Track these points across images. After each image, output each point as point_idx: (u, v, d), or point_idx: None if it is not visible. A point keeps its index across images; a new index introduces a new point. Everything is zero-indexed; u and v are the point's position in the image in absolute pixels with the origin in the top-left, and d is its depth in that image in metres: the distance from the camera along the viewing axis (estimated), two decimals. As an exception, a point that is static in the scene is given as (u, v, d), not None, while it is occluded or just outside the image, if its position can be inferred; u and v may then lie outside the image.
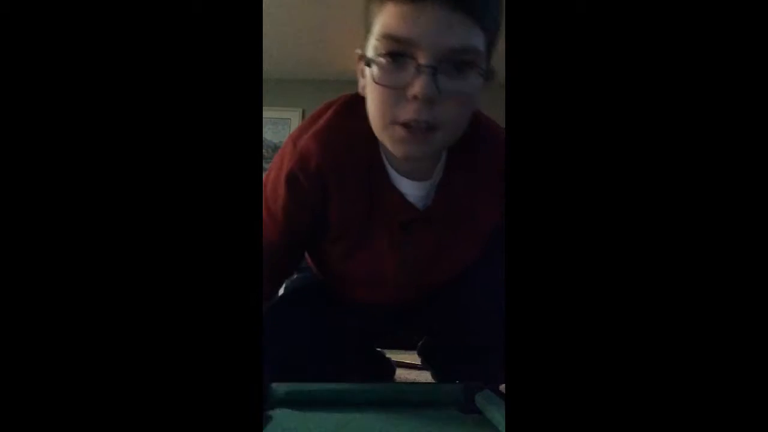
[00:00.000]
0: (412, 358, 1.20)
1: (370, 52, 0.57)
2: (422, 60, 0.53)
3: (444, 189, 0.70)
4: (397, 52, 0.55)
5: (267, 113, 3.95)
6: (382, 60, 0.55)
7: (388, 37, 0.54)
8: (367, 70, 0.59)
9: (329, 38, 3.58)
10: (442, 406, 0.64)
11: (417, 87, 0.54)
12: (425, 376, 1.15)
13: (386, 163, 0.69)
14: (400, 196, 0.69)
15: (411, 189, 0.69)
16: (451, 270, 0.78)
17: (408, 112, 0.56)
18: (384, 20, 0.55)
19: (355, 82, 0.67)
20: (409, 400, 0.66)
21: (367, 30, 0.59)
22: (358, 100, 0.66)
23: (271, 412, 0.60)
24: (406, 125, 0.57)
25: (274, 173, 0.72)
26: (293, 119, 4.05)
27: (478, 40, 0.56)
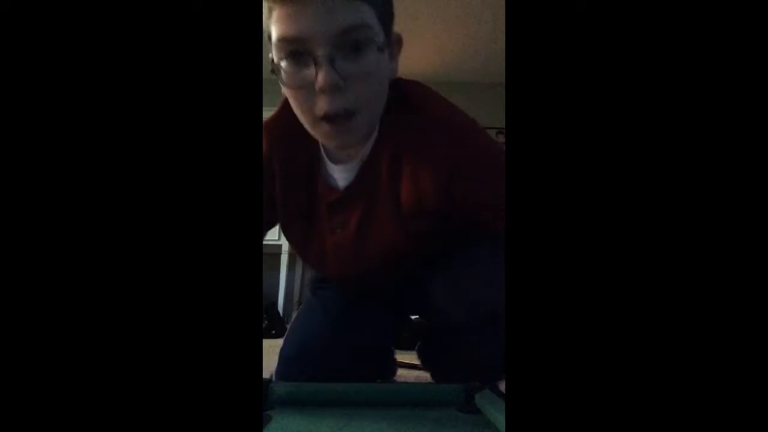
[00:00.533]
0: (412, 358, 1.20)
1: (274, 59, 0.58)
2: (318, 52, 0.54)
3: (365, 168, 0.70)
4: (295, 52, 0.56)
5: (267, 113, 3.95)
6: (284, 63, 0.57)
7: (282, 40, 0.56)
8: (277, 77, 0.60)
9: (329, 38, 3.57)
10: (442, 406, 0.64)
11: (321, 80, 0.55)
12: (425, 376, 1.16)
13: (322, 152, 0.71)
14: (327, 179, 0.71)
15: (339, 172, 0.71)
16: (380, 250, 0.76)
17: (322, 106, 0.58)
18: (276, 25, 0.56)
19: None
20: (409, 400, 0.66)
21: (269, 38, 0.59)
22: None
23: (271, 412, 0.60)
24: (326, 119, 0.58)
25: None
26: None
27: (366, 16, 0.55)
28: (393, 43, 0.62)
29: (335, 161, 0.71)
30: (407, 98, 0.68)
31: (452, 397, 0.65)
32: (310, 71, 0.56)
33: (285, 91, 0.63)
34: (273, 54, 0.59)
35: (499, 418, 0.53)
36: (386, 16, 0.60)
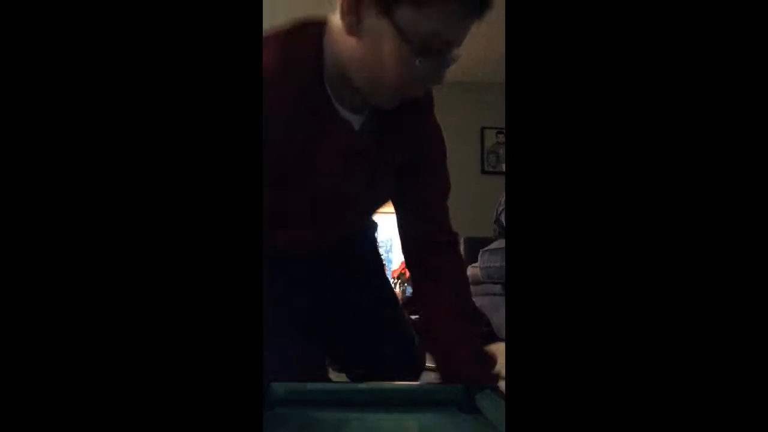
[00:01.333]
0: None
1: (423, 32, 0.60)
2: (453, 56, 0.61)
3: (374, 119, 0.75)
4: (437, 50, 0.61)
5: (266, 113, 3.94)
6: (431, 55, 0.60)
7: (437, 37, 0.60)
8: (384, 29, 0.60)
9: (329, 38, 3.57)
10: (442, 406, 0.64)
11: (438, 77, 0.63)
12: (425, 376, 1.15)
13: (333, 100, 0.71)
14: (348, 123, 0.72)
15: (353, 118, 0.73)
16: (368, 208, 0.85)
17: (416, 90, 0.65)
18: (430, 17, 0.59)
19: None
20: (409, 400, 0.66)
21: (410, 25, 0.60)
22: (305, 29, 0.70)
23: (271, 412, 0.60)
24: (414, 92, 0.65)
25: None
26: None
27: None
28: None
29: (347, 108, 0.72)
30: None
31: (452, 397, 0.65)
32: (442, 66, 0.62)
33: (402, 60, 0.62)
34: (406, 26, 0.60)
35: (499, 418, 0.53)
36: None
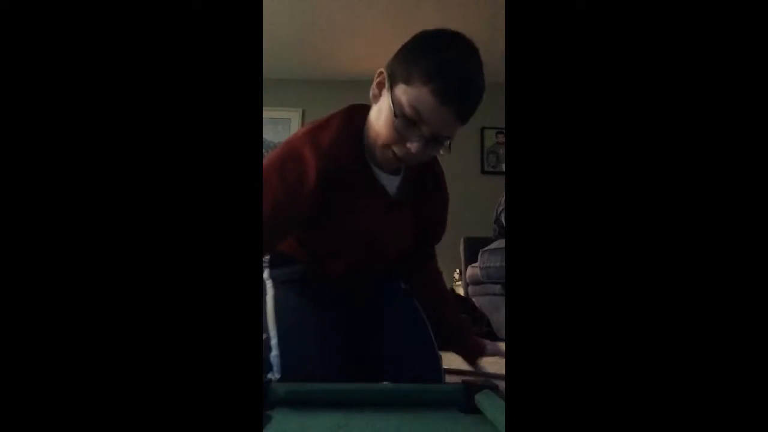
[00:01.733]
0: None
1: (398, 102, 0.83)
2: (425, 132, 0.82)
3: (403, 181, 1.01)
4: (413, 120, 0.82)
5: (267, 113, 3.95)
6: (404, 119, 0.82)
7: (414, 109, 0.81)
8: (386, 98, 0.85)
9: (329, 38, 3.58)
10: (442, 406, 0.64)
11: (414, 147, 0.84)
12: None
13: (374, 168, 0.96)
14: (379, 185, 0.98)
15: (388, 181, 0.98)
16: (404, 245, 1.08)
17: (400, 151, 0.86)
18: (419, 98, 0.80)
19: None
20: (409, 400, 0.66)
21: (403, 75, 0.82)
22: (358, 112, 0.94)
23: (271, 412, 0.60)
24: (397, 158, 0.88)
25: (297, 164, 0.88)
26: (293, 119, 4.05)
27: (456, 130, 0.85)
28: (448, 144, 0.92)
29: (386, 171, 0.97)
30: None
31: (452, 397, 0.65)
32: (413, 134, 0.83)
33: (384, 114, 0.86)
34: (402, 98, 0.82)
35: (499, 418, 0.53)
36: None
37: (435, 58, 0.80)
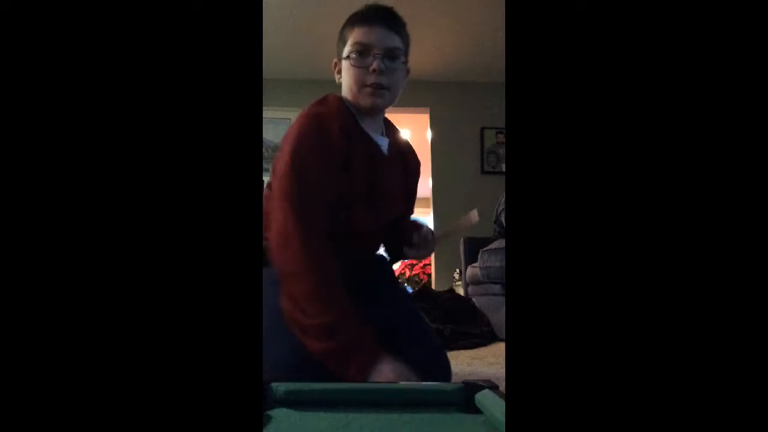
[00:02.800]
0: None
1: (345, 53, 1.08)
2: (375, 51, 1.05)
3: (392, 144, 1.19)
4: (362, 51, 1.06)
5: (267, 113, 3.95)
6: (355, 55, 1.06)
7: (357, 43, 1.06)
8: (344, 63, 1.10)
9: (329, 38, 3.58)
10: (442, 406, 0.64)
11: (375, 64, 1.05)
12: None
13: (367, 129, 1.13)
14: (376, 145, 1.13)
15: (380, 141, 1.15)
16: (401, 204, 1.23)
17: (371, 78, 1.06)
18: (353, 36, 1.07)
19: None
20: (409, 400, 0.66)
21: (341, 43, 1.10)
22: (332, 96, 1.12)
23: (271, 412, 0.60)
24: (372, 86, 1.07)
25: (303, 146, 1.03)
26: (293, 119, 4.05)
27: (400, 44, 1.09)
28: (407, 67, 1.14)
29: (376, 133, 1.14)
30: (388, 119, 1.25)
31: (452, 397, 0.65)
32: (368, 61, 1.05)
33: (345, 71, 1.09)
34: (345, 50, 1.08)
35: (499, 418, 0.53)
36: (407, 50, 1.12)
37: (353, 14, 1.09)
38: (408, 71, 1.15)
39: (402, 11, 1.12)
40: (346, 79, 1.09)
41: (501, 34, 3.71)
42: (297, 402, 0.63)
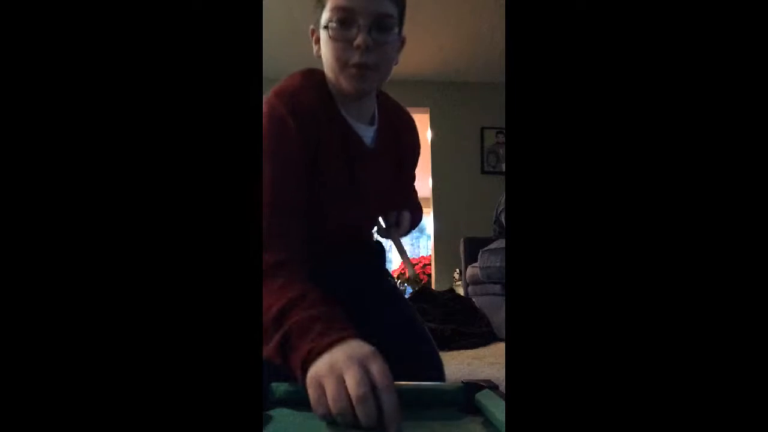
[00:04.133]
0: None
1: (324, 21, 0.84)
2: (361, 21, 0.81)
3: (381, 132, 1.00)
4: (344, 19, 0.82)
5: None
6: (334, 24, 0.83)
7: (338, 9, 0.82)
8: (322, 33, 0.86)
9: (329, 38, 3.57)
10: (442, 406, 0.64)
11: (360, 39, 0.81)
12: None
13: (346, 117, 0.94)
14: (356, 137, 0.95)
15: (364, 131, 0.97)
16: (379, 198, 1.06)
17: (356, 56, 0.83)
18: (337, 1, 0.82)
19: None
20: (409, 400, 0.66)
21: (319, 7, 0.86)
22: (315, 71, 0.93)
23: (271, 412, 0.59)
24: (356, 66, 0.84)
25: (266, 126, 0.86)
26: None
27: (393, 10, 0.85)
28: (402, 37, 0.91)
29: (360, 121, 0.96)
30: (385, 96, 1.06)
31: (452, 397, 0.65)
32: (352, 32, 0.82)
33: (324, 45, 0.86)
34: (323, 17, 0.84)
35: (500, 418, 0.53)
36: (402, 15, 0.89)
37: None
38: (403, 42, 0.92)
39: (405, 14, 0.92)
40: (326, 54, 0.87)
41: (501, 34, 3.71)
42: (297, 402, 0.63)
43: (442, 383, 0.77)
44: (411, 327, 1.12)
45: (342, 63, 0.84)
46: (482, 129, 4.39)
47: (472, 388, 0.64)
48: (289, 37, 3.53)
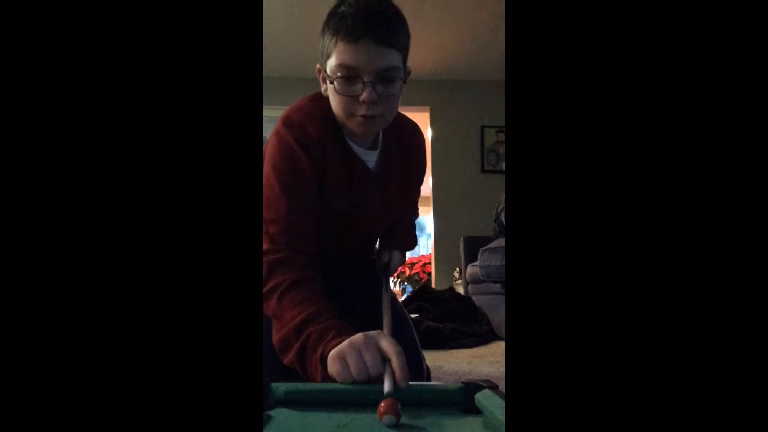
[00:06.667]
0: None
1: (329, 72, 0.89)
2: (365, 78, 0.86)
3: (381, 155, 1.05)
4: (349, 76, 0.86)
5: (267, 113, 3.95)
6: (340, 79, 0.87)
7: (342, 66, 0.86)
8: (329, 84, 0.90)
9: (329, 37, 3.57)
10: (442, 406, 0.64)
11: (365, 95, 0.87)
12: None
13: (350, 143, 1.00)
14: (360, 162, 1.01)
15: (367, 156, 1.03)
16: (379, 221, 1.13)
17: (362, 110, 0.89)
18: (338, 54, 0.86)
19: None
20: (409, 400, 0.66)
21: (324, 55, 0.89)
22: (323, 96, 0.97)
23: (271, 412, 0.60)
24: (363, 117, 0.89)
25: (276, 157, 0.92)
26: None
27: (397, 60, 0.88)
28: (406, 74, 0.94)
29: (364, 146, 1.01)
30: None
31: (452, 397, 0.65)
32: (357, 87, 0.87)
33: (331, 94, 0.91)
34: (329, 68, 0.88)
35: (500, 418, 0.53)
36: (406, 59, 0.92)
37: (331, 19, 0.87)
38: (409, 73, 0.95)
39: (405, 14, 0.91)
40: (333, 101, 0.92)
41: (501, 34, 3.71)
42: (297, 402, 0.63)
43: (442, 383, 0.77)
44: (397, 332, 1.12)
45: (348, 114, 0.90)
46: (482, 128, 4.38)
47: (472, 388, 0.64)
48: (289, 36, 3.54)
